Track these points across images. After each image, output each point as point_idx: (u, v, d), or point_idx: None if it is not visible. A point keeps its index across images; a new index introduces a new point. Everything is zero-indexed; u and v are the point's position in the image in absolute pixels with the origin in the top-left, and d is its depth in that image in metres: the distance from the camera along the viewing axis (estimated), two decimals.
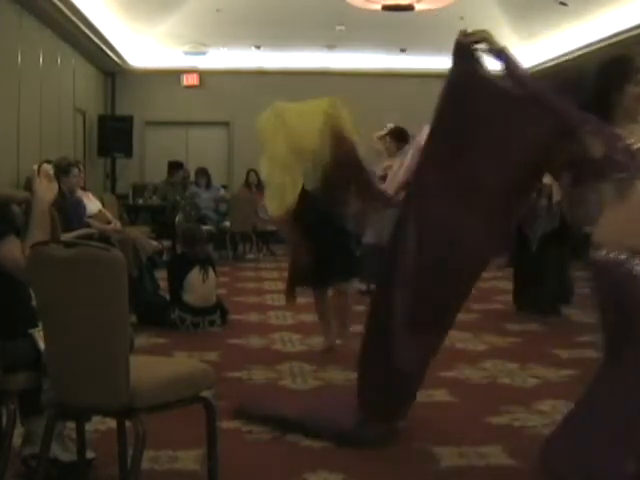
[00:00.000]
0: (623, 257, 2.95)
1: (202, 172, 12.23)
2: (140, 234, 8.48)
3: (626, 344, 2.94)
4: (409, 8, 9.88)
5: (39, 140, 9.97)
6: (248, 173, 12.76)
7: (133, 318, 6.58)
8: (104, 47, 12.24)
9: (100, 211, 8.52)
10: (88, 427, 3.45)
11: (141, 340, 5.73)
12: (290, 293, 5.99)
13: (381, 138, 7.89)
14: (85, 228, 7.49)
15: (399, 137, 7.84)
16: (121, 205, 12.39)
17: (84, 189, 8.70)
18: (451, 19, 11.61)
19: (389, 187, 6.71)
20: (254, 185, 12.61)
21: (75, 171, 7.52)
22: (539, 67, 14.20)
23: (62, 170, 7.49)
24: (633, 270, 2.93)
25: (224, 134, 15.15)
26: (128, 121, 13.72)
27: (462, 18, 11.79)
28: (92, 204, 8.51)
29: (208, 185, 12.15)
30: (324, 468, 3.53)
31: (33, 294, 3.14)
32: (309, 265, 5.67)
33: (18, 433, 3.37)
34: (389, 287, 3.78)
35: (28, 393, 3.23)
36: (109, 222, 8.37)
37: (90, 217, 7.99)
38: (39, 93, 10.08)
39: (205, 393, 3.23)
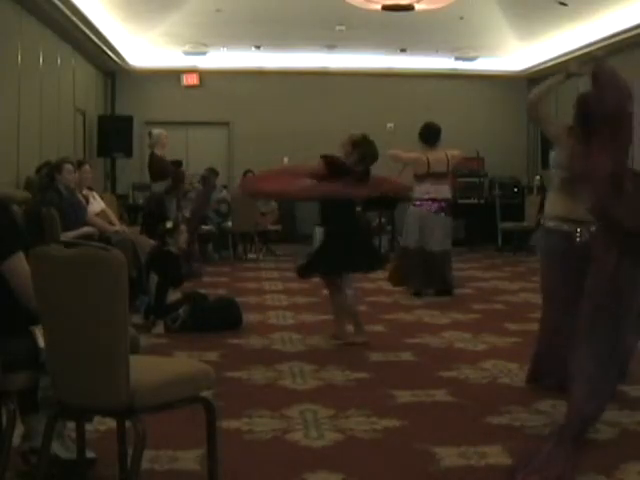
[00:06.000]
0: None
1: (213, 172, 12.33)
2: (138, 234, 8.50)
3: None
4: (409, 8, 9.87)
5: (39, 140, 9.97)
6: (245, 174, 12.76)
7: (137, 319, 6.61)
8: (104, 47, 12.24)
9: (103, 211, 8.54)
10: (88, 427, 3.45)
11: (141, 340, 5.71)
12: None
13: None
14: (85, 227, 7.53)
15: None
16: (121, 205, 12.41)
17: (90, 189, 8.72)
18: (451, 19, 11.62)
19: None
20: None
21: (69, 167, 7.53)
22: (539, 67, 14.22)
23: (55, 167, 7.53)
24: None
25: (224, 134, 15.15)
26: (128, 121, 13.71)
27: (462, 18, 11.80)
28: (96, 203, 8.54)
29: (214, 186, 12.31)
30: (324, 468, 3.53)
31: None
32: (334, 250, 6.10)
33: (18, 433, 3.37)
34: None
35: (27, 391, 3.23)
36: (111, 223, 8.39)
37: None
38: (39, 93, 10.08)
39: (205, 393, 3.23)
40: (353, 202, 6.34)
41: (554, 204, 4.72)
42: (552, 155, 4.86)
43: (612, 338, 3.84)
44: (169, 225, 7.34)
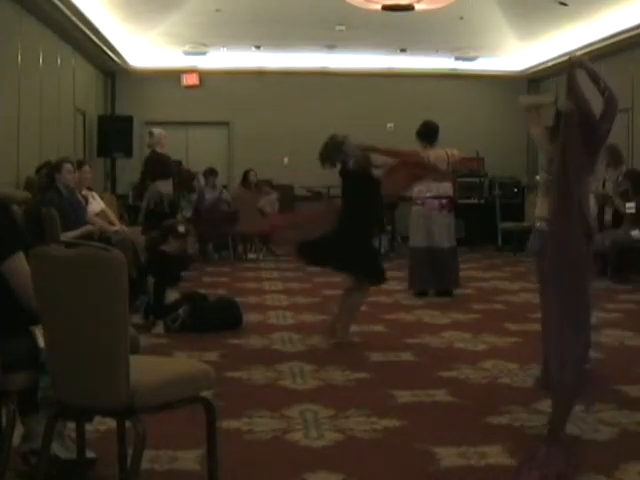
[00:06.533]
0: None
1: (211, 172, 12.35)
2: (139, 234, 8.50)
3: None
4: (409, 8, 9.86)
5: (39, 140, 9.98)
6: (247, 172, 12.75)
7: (137, 319, 6.60)
8: (104, 47, 12.24)
9: (103, 211, 8.56)
10: (88, 427, 3.45)
11: (141, 340, 5.72)
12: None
13: None
14: (85, 226, 7.54)
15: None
16: (121, 205, 12.41)
17: (90, 189, 8.74)
18: (451, 19, 11.63)
19: None
20: (253, 184, 12.66)
21: (68, 167, 7.54)
22: (539, 67, 14.24)
23: (55, 167, 7.54)
24: None
25: (224, 134, 15.15)
26: (128, 121, 13.72)
27: (462, 18, 11.81)
28: (96, 203, 8.56)
29: (214, 186, 12.34)
30: (324, 468, 3.53)
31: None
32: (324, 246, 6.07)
33: (18, 433, 3.37)
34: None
35: (26, 391, 3.23)
36: (111, 223, 8.40)
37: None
38: (39, 93, 10.09)
39: (205, 393, 3.23)
40: (365, 206, 6.27)
41: (541, 205, 4.85)
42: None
43: (584, 313, 3.98)
44: (182, 229, 7.27)
